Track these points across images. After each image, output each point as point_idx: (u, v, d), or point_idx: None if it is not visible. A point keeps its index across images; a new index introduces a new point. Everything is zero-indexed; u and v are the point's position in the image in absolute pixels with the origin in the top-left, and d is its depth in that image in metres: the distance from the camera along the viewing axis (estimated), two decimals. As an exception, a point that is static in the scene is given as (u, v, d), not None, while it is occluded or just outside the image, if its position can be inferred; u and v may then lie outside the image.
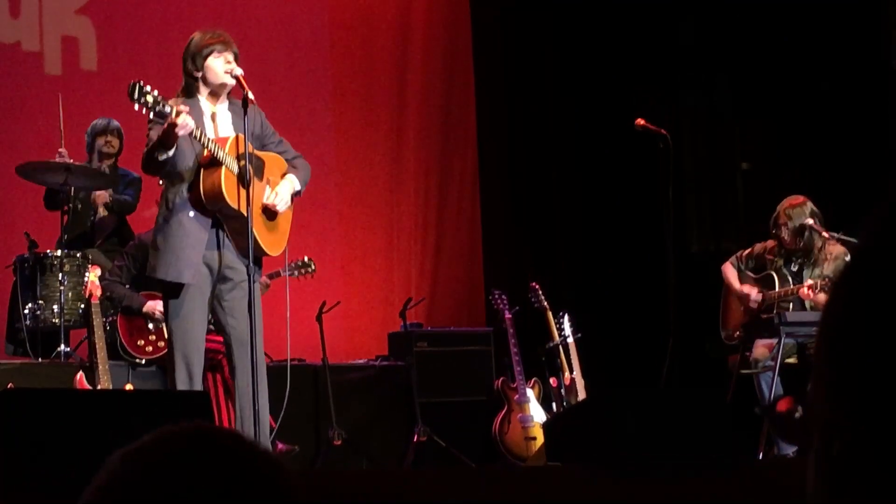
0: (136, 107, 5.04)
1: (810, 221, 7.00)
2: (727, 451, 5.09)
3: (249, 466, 1.05)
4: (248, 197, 5.19)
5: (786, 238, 7.06)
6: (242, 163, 5.22)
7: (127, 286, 6.95)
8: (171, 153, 5.17)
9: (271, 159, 5.52)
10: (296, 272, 7.23)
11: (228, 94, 5.46)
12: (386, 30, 9.68)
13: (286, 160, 5.58)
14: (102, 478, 1.04)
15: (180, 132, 5.06)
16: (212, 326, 5.64)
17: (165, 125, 5.06)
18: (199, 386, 5.35)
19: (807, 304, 7.00)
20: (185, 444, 1.05)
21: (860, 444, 0.91)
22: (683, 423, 5.17)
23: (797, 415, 6.59)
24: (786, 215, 7.03)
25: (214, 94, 5.41)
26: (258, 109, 5.46)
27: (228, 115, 5.44)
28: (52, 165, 7.04)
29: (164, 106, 5.05)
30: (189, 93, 5.39)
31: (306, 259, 7.31)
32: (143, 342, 6.92)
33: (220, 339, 5.53)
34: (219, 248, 5.31)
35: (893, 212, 0.94)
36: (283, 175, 5.54)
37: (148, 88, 5.04)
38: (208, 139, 5.19)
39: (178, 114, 5.02)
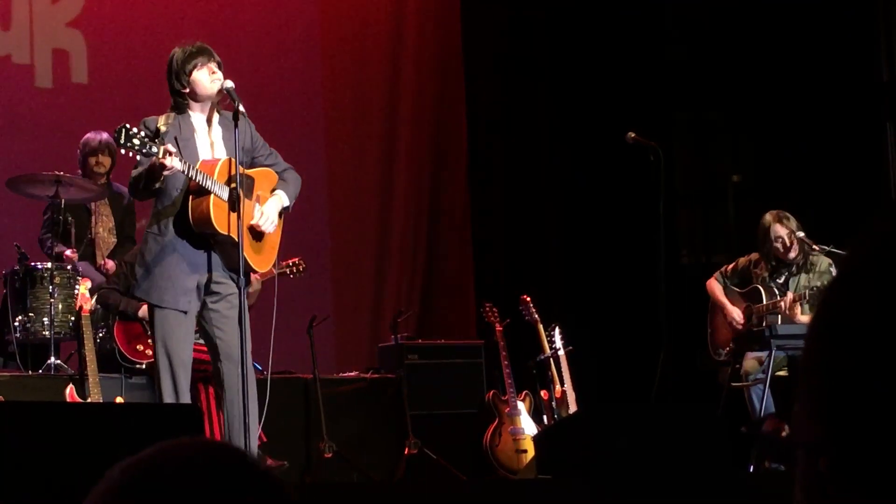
0: (123, 151, 5.05)
1: (801, 234, 7.03)
2: (718, 465, 5.10)
3: (249, 482, 1.05)
4: (238, 219, 5.18)
5: (781, 249, 7.04)
6: (233, 185, 5.21)
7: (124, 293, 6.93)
8: (157, 186, 5.19)
9: (261, 175, 5.49)
10: (286, 269, 7.18)
11: (219, 106, 5.44)
12: (377, 45, 9.68)
13: (276, 172, 5.57)
14: (101, 490, 1.04)
15: (167, 173, 5.09)
16: (201, 339, 5.62)
17: (153, 162, 5.08)
18: (185, 401, 5.34)
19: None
20: (185, 459, 1.05)
21: (846, 461, 0.91)
22: (674, 437, 5.18)
23: (784, 433, 6.60)
24: (786, 226, 7.03)
25: (204, 107, 5.39)
26: (249, 122, 5.43)
27: (219, 128, 5.42)
28: (41, 177, 7.01)
29: (151, 147, 5.05)
30: (179, 109, 5.37)
31: (297, 260, 7.29)
32: (142, 347, 6.88)
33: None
34: (209, 268, 5.30)
35: (883, 231, 0.94)
36: (273, 191, 5.53)
37: (134, 131, 5.03)
38: (196, 171, 5.18)
39: (165, 153, 5.03)
